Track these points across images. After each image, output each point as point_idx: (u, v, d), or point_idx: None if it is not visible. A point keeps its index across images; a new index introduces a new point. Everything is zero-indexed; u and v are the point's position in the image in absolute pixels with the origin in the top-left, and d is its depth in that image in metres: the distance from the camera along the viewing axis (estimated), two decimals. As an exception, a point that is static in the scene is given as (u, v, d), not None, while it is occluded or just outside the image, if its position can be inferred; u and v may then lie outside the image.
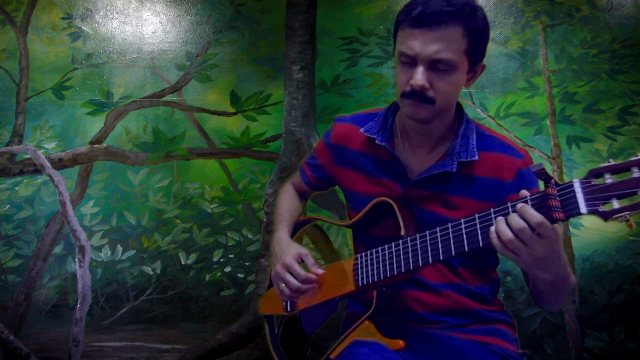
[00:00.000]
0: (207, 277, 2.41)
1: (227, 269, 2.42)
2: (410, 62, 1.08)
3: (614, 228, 2.24)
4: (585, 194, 0.83)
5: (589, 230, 2.26)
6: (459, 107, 1.22)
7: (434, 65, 1.06)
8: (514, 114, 2.40)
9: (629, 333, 2.20)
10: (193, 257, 2.42)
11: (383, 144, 1.19)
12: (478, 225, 0.96)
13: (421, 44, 1.05)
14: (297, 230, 1.44)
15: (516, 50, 2.45)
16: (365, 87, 2.47)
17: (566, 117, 2.39)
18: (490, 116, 2.40)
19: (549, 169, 2.35)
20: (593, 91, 2.39)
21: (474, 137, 1.16)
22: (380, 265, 1.13)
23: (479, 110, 2.40)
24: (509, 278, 2.26)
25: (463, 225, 0.99)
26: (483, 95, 2.42)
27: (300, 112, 2.46)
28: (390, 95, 2.44)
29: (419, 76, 1.06)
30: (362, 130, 1.23)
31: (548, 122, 2.39)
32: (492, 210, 0.95)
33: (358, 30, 2.51)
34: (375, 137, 1.20)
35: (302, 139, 2.44)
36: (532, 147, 2.36)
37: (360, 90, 2.47)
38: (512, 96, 2.42)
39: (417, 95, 1.07)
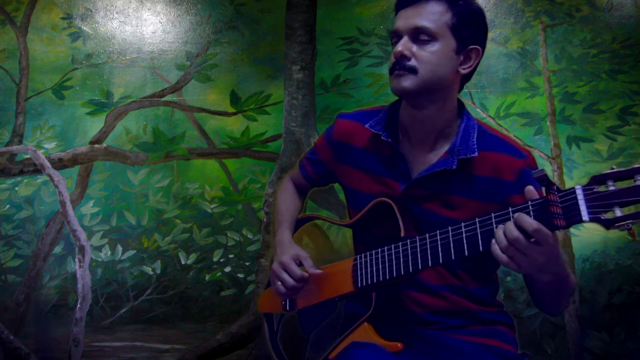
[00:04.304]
0: (207, 277, 2.41)
1: (227, 269, 2.42)
2: (397, 40, 1.13)
3: (614, 228, 2.24)
4: (587, 201, 0.81)
5: (589, 230, 2.26)
6: (461, 106, 1.21)
7: (417, 37, 1.10)
8: (514, 114, 2.40)
9: (629, 333, 2.20)
10: (193, 257, 2.42)
11: (389, 140, 1.18)
12: (478, 230, 0.96)
13: (404, 20, 1.12)
14: (297, 228, 1.44)
15: (516, 50, 2.45)
16: (365, 87, 2.47)
17: (566, 117, 2.39)
18: (490, 116, 2.40)
19: (549, 169, 2.34)
20: (593, 91, 2.39)
21: (475, 134, 1.15)
22: (380, 267, 1.13)
23: (479, 110, 2.40)
24: (509, 278, 2.26)
25: (463, 229, 0.98)
26: (483, 95, 2.42)
27: (300, 112, 2.46)
28: (390, 95, 2.43)
29: (399, 46, 1.11)
30: (367, 125, 1.23)
31: (548, 122, 2.38)
32: (492, 215, 0.94)
33: (358, 30, 2.51)
34: (380, 133, 1.20)
35: (302, 139, 2.44)
36: (532, 147, 2.36)
37: (360, 90, 2.47)
38: (512, 96, 2.41)
39: (398, 64, 1.11)
